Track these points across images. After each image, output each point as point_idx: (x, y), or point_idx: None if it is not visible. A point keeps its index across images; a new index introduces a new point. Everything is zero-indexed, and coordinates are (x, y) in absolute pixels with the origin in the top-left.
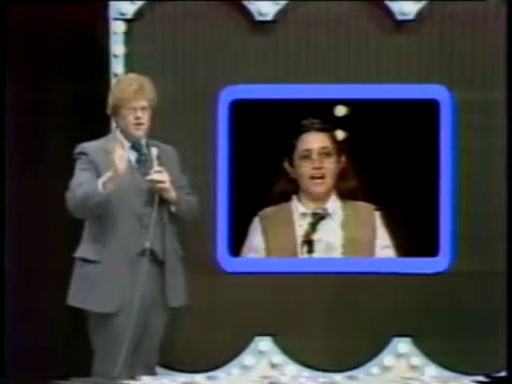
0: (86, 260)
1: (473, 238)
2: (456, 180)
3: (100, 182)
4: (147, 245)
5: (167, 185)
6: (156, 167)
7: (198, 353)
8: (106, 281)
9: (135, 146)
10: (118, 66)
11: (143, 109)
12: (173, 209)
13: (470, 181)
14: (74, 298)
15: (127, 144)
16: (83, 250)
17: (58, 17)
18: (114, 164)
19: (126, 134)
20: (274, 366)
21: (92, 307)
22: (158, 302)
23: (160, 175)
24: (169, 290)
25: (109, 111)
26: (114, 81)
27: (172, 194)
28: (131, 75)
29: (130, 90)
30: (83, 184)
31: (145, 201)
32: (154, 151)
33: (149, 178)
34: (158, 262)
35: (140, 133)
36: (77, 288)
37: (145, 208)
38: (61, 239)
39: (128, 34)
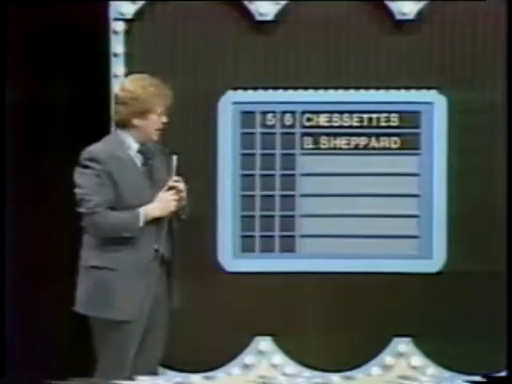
0: (100, 268)
1: (473, 237)
2: (456, 180)
3: (141, 220)
4: (160, 250)
5: (184, 194)
6: (175, 177)
7: (198, 353)
8: (124, 288)
9: (142, 150)
10: (118, 66)
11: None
12: (183, 216)
13: (469, 180)
14: (87, 307)
15: (135, 147)
16: (95, 257)
17: (58, 17)
18: (167, 202)
19: (141, 138)
20: (274, 366)
21: (109, 315)
22: (163, 304)
23: (180, 184)
24: (174, 292)
25: (129, 114)
26: (114, 81)
27: (185, 203)
28: (154, 79)
29: (167, 95)
30: (103, 203)
31: None
32: (175, 160)
33: (171, 184)
34: (166, 264)
35: (157, 138)
36: (89, 296)
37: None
38: (61, 239)
39: (128, 34)
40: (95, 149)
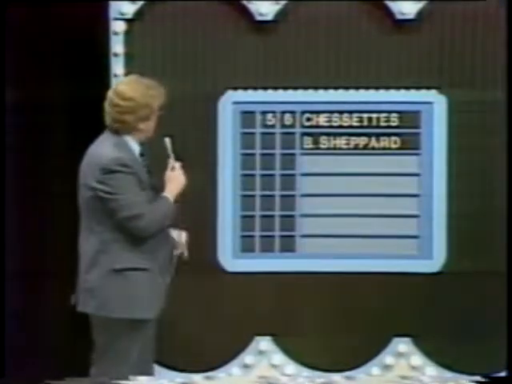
0: (131, 269)
1: (473, 237)
2: (456, 179)
3: (172, 201)
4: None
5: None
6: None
7: (198, 352)
8: (154, 287)
9: (142, 153)
10: (118, 66)
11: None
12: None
13: (469, 180)
14: (114, 309)
15: (137, 150)
16: (126, 260)
17: (58, 17)
18: (178, 179)
19: (143, 139)
20: (274, 366)
21: (141, 315)
22: None
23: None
24: None
25: (135, 121)
26: (114, 81)
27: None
28: (147, 79)
29: (163, 93)
30: (141, 202)
31: None
32: (168, 142)
33: (173, 163)
34: None
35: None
36: (118, 298)
37: None
38: (61, 239)
39: (128, 34)
40: (117, 154)
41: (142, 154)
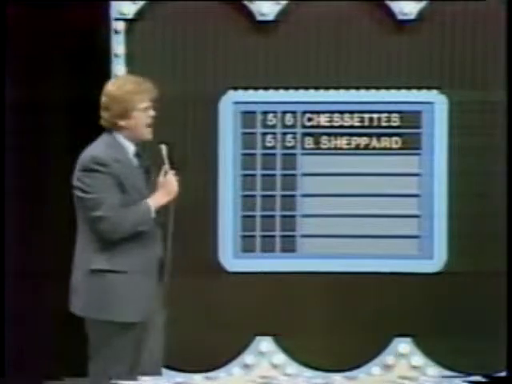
0: (108, 271)
1: (473, 237)
2: (456, 179)
3: (153, 210)
4: (160, 251)
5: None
6: (169, 169)
7: (198, 353)
8: (133, 290)
9: (138, 153)
10: (118, 66)
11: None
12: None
13: (470, 180)
14: (93, 311)
15: (132, 150)
16: (103, 261)
17: (58, 17)
18: (168, 189)
19: (134, 138)
20: (274, 366)
21: (115, 318)
22: (159, 303)
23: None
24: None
25: (112, 117)
26: None
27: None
28: (134, 77)
29: (148, 90)
30: (118, 203)
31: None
32: (164, 149)
33: (167, 170)
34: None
35: (151, 135)
36: (97, 300)
37: (158, 215)
38: (61, 239)
39: (129, 34)
40: (99, 153)
41: (137, 155)
